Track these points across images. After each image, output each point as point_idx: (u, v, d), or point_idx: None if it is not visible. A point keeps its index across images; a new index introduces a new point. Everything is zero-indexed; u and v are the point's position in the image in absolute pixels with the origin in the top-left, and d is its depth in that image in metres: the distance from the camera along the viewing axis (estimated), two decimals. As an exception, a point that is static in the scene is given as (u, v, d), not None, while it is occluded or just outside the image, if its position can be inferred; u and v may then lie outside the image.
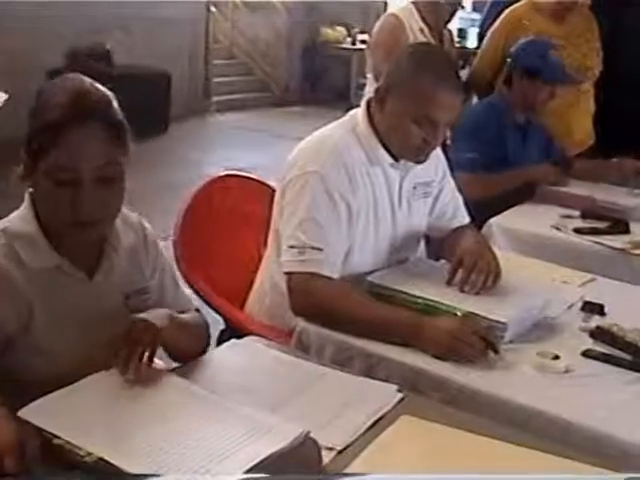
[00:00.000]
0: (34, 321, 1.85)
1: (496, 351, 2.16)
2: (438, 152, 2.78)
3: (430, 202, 2.80)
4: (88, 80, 1.86)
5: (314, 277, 2.40)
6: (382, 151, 2.57)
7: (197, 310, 2.22)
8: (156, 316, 1.90)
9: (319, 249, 2.41)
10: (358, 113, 2.64)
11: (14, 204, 1.95)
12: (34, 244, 1.87)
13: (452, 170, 2.96)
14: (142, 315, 1.88)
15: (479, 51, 4.58)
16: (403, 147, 2.54)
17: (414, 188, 2.70)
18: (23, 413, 1.60)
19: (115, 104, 1.86)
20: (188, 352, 2.06)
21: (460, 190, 2.94)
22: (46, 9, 8.72)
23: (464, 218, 2.92)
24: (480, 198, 3.53)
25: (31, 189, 1.88)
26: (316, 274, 2.40)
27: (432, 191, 2.79)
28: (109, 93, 1.87)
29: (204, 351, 2.13)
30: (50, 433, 1.57)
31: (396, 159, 2.59)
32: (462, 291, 2.43)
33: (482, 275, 2.45)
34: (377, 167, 2.58)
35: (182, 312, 2.10)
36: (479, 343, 2.16)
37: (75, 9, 9.05)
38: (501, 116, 3.84)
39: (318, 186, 2.46)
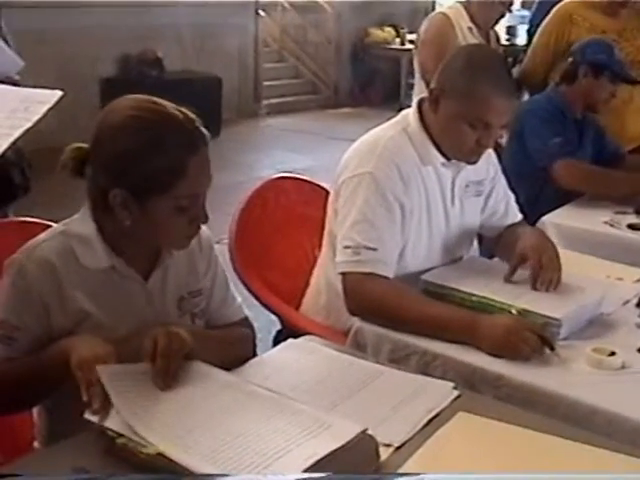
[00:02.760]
0: (89, 319, 1.89)
1: (552, 348, 2.17)
2: (489, 151, 2.76)
3: (482, 200, 2.80)
4: (162, 101, 1.90)
5: (369, 277, 2.41)
6: (434, 150, 2.58)
7: (246, 319, 2.23)
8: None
9: (374, 249, 2.43)
10: (410, 113, 2.64)
11: (75, 208, 2.00)
12: (91, 245, 1.91)
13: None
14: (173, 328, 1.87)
15: (530, 48, 4.55)
16: (456, 148, 2.55)
17: (466, 187, 2.71)
18: (87, 414, 1.64)
19: None
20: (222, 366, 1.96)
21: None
22: (97, 17, 8.83)
23: (516, 216, 2.91)
24: (576, 186, 3.53)
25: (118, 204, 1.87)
26: (371, 274, 2.42)
27: (484, 189, 2.79)
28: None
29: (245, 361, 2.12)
30: (113, 432, 1.61)
31: (448, 158, 2.60)
32: (534, 289, 2.43)
33: (549, 271, 2.45)
34: (429, 166, 2.58)
35: (228, 324, 2.15)
36: (534, 340, 2.16)
37: (126, 17, 9.16)
38: (560, 109, 3.81)
39: (371, 187, 2.48)
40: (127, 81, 9.19)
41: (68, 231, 1.93)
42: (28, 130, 2.22)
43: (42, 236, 1.93)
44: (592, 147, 3.95)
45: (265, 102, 11.77)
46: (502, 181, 2.89)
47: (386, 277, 2.43)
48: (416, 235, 2.58)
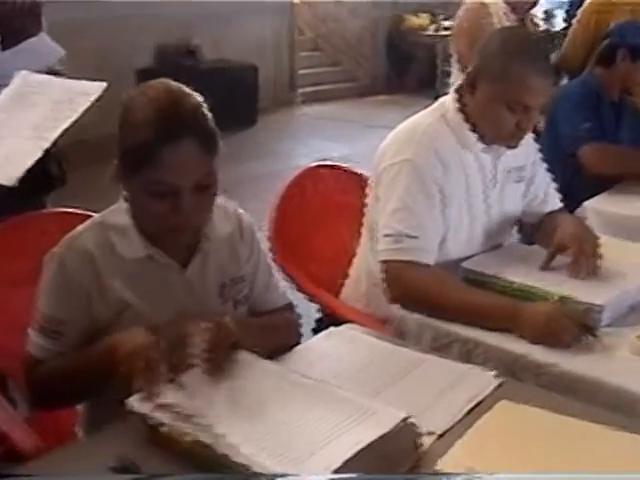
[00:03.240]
0: (129, 309, 1.91)
1: (594, 335, 2.15)
2: (529, 136, 2.76)
3: (523, 186, 2.79)
4: (175, 86, 1.86)
5: (410, 265, 2.42)
6: (473, 136, 2.57)
7: (289, 305, 2.23)
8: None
9: (415, 237, 2.43)
10: (447, 100, 2.64)
11: (114, 200, 2.01)
12: (127, 235, 1.92)
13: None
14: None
15: (570, 31, 4.51)
16: (495, 132, 2.53)
17: (508, 172, 2.70)
18: (129, 403, 1.65)
19: (205, 109, 1.87)
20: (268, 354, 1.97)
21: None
22: (132, 8, 8.84)
23: (556, 204, 2.89)
24: (608, 170, 3.50)
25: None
26: (412, 262, 2.42)
27: (525, 175, 2.77)
28: (198, 97, 1.87)
29: (292, 347, 2.13)
30: (156, 420, 1.62)
31: (487, 144, 2.59)
32: (575, 277, 2.41)
33: (590, 259, 2.44)
34: (468, 152, 2.58)
35: (272, 310, 2.15)
36: (575, 327, 2.15)
37: (161, 7, 9.17)
38: (596, 93, 3.78)
39: (411, 174, 2.48)
40: (163, 72, 9.02)
41: (105, 222, 1.95)
42: (74, 122, 2.24)
43: (80, 228, 1.95)
44: (630, 130, 3.91)
45: (301, 90, 11.77)
46: (542, 167, 2.88)
47: (427, 265, 2.43)
48: (457, 221, 2.58)
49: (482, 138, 2.58)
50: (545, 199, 2.87)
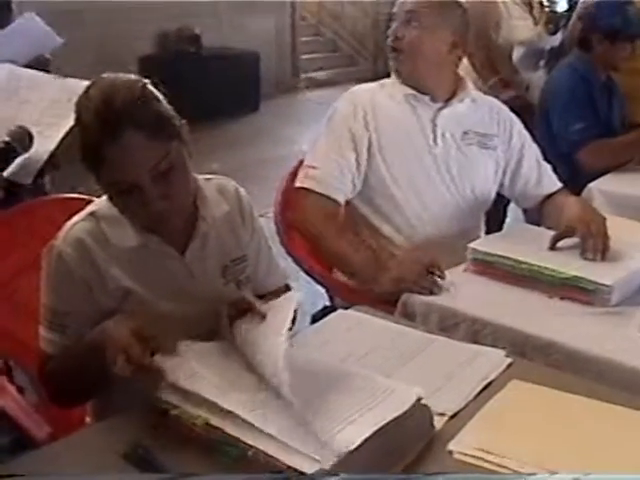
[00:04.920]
0: (131, 296, 1.90)
1: (442, 277, 2.35)
2: (509, 115, 2.90)
3: (493, 163, 2.84)
4: (109, 82, 1.79)
5: (306, 192, 2.68)
6: (402, 86, 2.76)
7: (288, 286, 2.22)
8: None
9: (314, 167, 2.69)
10: None
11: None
12: (120, 224, 1.89)
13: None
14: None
15: (575, 13, 4.48)
16: None
17: (464, 133, 2.79)
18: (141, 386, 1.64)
19: (145, 94, 1.79)
20: None
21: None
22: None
23: (554, 184, 2.92)
24: (606, 166, 3.48)
25: None
26: (309, 189, 2.67)
27: (493, 145, 2.83)
28: (135, 84, 1.79)
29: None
30: (167, 403, 1.62)
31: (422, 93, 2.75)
32: (585, 259, 2.42)
33: (599, 240, 2.44)
34: (402, 103, 2.75)
35: (273, 291, 2.12)
36: (423, 269, 2.36)
37: (163, -5, 9.17)
38: (586, 77, 3.75)
39: (329, 120, 2.75)
40: (165, 59, 9.23)
41: (97, 212, 1.93)
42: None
43: (74, 219, 1.93)
44: (620, 109, 3.89)
45: (304, 76, 11.77)
46: (532, 150, 2.92)
47: (326, 196, 2.66)
48: (403, 169, 2.73)
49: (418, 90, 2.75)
50: (539, 180, 2.90)
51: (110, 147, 1.72)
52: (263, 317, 1.78)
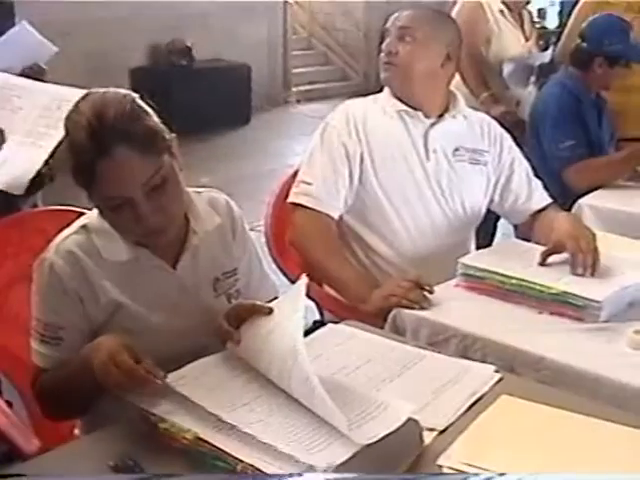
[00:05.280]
0: (122, 310, 1.89)
1: (430, 291, 2.35)
2: (499, 130, 2.91)
3: (484, 178, 2.85)
4: (98, 98, 1.79)
5: (300, 208, 2.68)
6: (395, 101, 2.76)
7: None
8: None
9: (308, 183, 2.67)
10: None
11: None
12: (112, 238, 1.89)
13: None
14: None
15: (567, 29, 4.49)
16: None
17: (455, 150, 2.79)
18: (129, 398, 1.65)
19: (135, 108, 1.80)
20: None
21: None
22: (125, 8, 8.84)
23: (544, 199, 2.93)
24: (590, 185, 3.49)
25: None
26: (302, 205, 2.67)
27: (484, 160, 2.84)
28: (124, 99, 1.80)
29: None
30: (156, 417, 1.61)
31: (414, 109, 2.75)
32: (575, 274, 2.42)
33: (589, 255, 2.44)
34: (395, 119, 2.76)
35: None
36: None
37: (154, 7, 9.16)
38: (576, 95, 3.76)
39: (321, 134, 2.76)
40: (157, 71, 9.25)
41: (89, 225, 1.93)
42: None
43: (65, 232, 1.93)
44: (609, 127, 3.91)
45: (295, 89, 11.77)
46: (522, 166, 2.93)
47: (320, 212, 2.66)
48: (396, 185, 2.73)
49: (409, 106, 2.76)
50: (529, 196, 2.90)
51: (103, 163, 1.72)
52: (269, 312, 1.81)
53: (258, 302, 1.86)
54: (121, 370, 1.64)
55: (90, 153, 1.73)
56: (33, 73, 3.39)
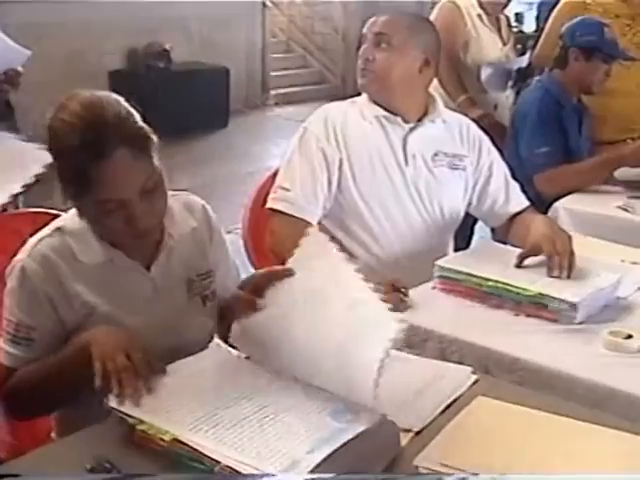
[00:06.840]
0: (96, 312, 1.89)
1: (405, 294, 2.36)
2: (478, 133, 2.91)
3: (463, 182, 2.86)
4: (92, 100, 1.78)
5: (278, 214, 2.68)
6: (374, 106, 2.76)
7: None
8: None
9: (286, 189, 2.68)
10: None
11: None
12: (85, 240, 1.90)
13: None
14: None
15: (544, 33, 4.51)
16: None
17: (435, 155, 2.80)
18: (109, 401, 1.64)
19: (129, 111, 1.80)
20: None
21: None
22: (103, 11, 8.81)
23: (521, 202, 2.94)
24: (562, 192, 3.50)
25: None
26: (280, 211, 2.68)
27: (463, 165, 2.85)
28: (117, 102, 1.79)
29: None
30: (134, 419, 1.61)
31: (393, 114, 2.76)
32: (551, 276, 2.43)
33: (565, 258, 2.46)
34: (374, 124, 2.76)
35: None
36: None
37: (132, 10, 9.13)
38: (558, 100, 3.77)
39: (299, 139, 2.76)
40: (135, 74, 9.21)
41: (64, 227, 1.92)
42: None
43: (39, 234, 1.93)
44: (589, 130, 3.92)
45: (273, 92, 11.77)
46: (500, 169, 2.94)
47: (298, 218, 2.64)
48: (375, 189, 2.74)
49: (387, 111, 2.76)
50: (507, 199, 2.91)
51: (100, 166, 1.72)
52: (290, 273, 1.83)
53: (274, 267, 1.88)
54: (132, 361, 1.67)
55: (85, 155, 1.72)
56: (9, 78, 3.39)
